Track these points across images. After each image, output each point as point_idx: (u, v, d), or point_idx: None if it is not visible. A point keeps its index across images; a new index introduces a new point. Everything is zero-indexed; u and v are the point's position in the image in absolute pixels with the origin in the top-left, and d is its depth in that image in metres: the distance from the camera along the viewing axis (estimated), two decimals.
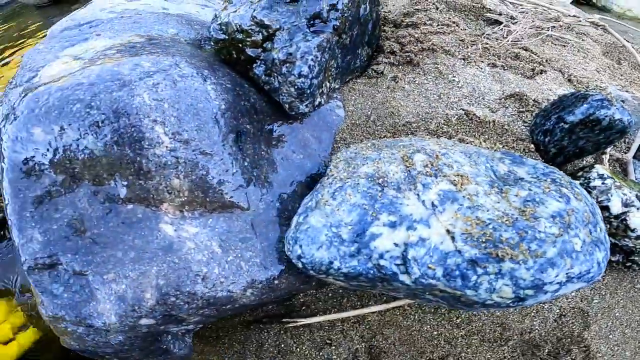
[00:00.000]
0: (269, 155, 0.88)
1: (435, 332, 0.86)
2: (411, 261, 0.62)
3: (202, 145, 0.75)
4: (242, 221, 0.80)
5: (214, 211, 0.78)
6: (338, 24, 0.89)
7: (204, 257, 0.74)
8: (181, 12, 1.06)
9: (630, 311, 0.79)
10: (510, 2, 1.24)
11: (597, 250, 0.58)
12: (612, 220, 0.72)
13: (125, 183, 0.73)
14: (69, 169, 0.72)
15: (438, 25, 1.15)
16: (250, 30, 0.84)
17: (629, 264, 0.76)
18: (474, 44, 1.08)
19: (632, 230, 0.71)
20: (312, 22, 0.85)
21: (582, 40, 1.21)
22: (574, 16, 1.21)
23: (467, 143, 0.82)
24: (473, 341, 0.83)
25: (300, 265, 0.73)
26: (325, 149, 0.97)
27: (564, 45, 1.16)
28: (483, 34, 1.12)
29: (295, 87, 0.80)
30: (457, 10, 1.24)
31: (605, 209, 0.72)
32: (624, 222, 0.71)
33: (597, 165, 0.77)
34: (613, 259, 0.77)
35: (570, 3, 1.79)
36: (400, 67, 1.09)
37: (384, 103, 1.02)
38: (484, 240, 0.58)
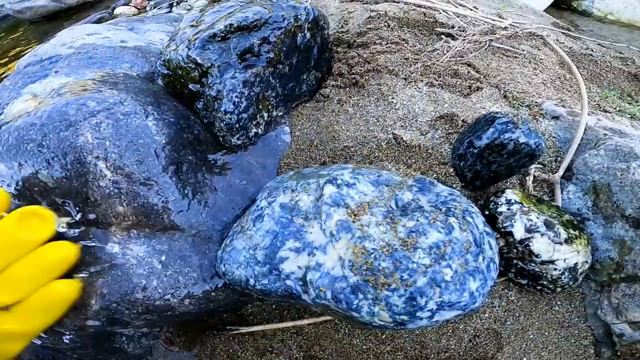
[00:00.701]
0: (212, 182, 0.96)
1: (364, 346, 0.92)
2: (309, 283, 0.69)
3: (142, 178, 0.84)
4: (182, 241, 0.89)
5: (157, 232, 0.88)
6: (272, 56, 0.95)
7: (144, 272, 0.84)
8: (141, 43, 1.15)
9: (546, 333, 0.81)
10: (454, 14, 1.23)
11: (472, 280, 0.62)
12: (517, 245, 0.74)
13: (77, 209, 0.83)
14: (29, 197, 0.83)
15: (387, 44, 1.18)
16: (188, 68, 0.92)
17: (538, 287, 0.78)
18: (417, 62, 1.10)
19: (536, 256, 0.73)
20: (243, 57, 0.92)
21: (538, 50, 1.19)
22: (506, 27, 1.19)
23: (387, 170, 0.86)
24: (398, 357, 0.88)
25: (225, 281, 0.81)
26: (269, 175, 1.04)
27: (515, 57, 1.14)
28: (426, 51, 1.13)
29: (224, 122, 0.88)
30: (410, 26, 1.25)
31: (510, 234, 0.74)
32: (527, 247, 0.73)
33: (507, 190, 0.79)
34: (523, 282, 0.79)
35: (545, 10, 1.73)
36: (347, 89, 1.13)
37: (328, 127, 1.07)
38: (365, 268, 0.63)
